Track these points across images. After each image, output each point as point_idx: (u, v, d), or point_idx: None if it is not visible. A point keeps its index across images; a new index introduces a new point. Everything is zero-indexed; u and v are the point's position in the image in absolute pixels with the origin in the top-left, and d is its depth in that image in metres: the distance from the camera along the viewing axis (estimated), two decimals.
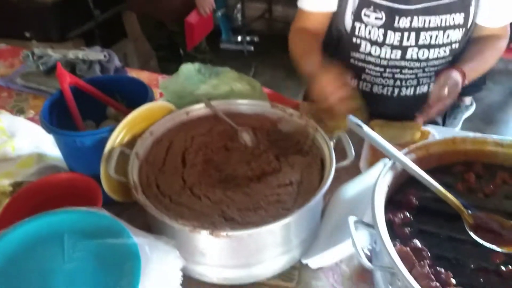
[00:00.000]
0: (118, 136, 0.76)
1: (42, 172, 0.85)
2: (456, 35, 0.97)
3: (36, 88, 1.28)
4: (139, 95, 0.90)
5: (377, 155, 0.97)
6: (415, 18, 0.94)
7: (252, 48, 3.38)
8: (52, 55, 1.30)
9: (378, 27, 0.96)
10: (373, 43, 0.99)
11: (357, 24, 0.98)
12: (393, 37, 0.97)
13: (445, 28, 0.96)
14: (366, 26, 0.97)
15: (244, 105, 0.90)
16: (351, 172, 0.88)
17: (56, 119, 0.85)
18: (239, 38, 3.39)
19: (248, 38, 3.35)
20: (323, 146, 0.78)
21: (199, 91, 0.94)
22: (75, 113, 0.84)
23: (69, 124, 0.85)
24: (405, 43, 0.98)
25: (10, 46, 1.60)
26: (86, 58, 1.24)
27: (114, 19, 2.43)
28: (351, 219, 0.61)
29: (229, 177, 0.76)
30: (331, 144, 0.77)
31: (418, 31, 0.96)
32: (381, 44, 0.99)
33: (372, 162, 0.93)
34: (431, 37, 0.96)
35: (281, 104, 0.88)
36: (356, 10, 0.96)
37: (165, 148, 0.80)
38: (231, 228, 0.63)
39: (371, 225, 0.60)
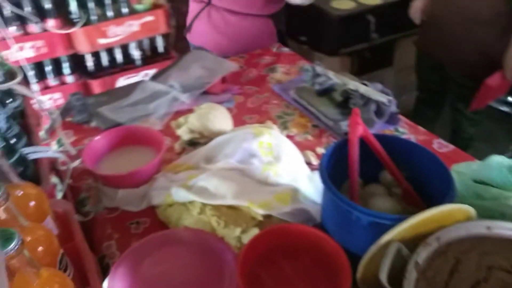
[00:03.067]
0: (402, 230, 0.60)
1: (295, 214, 0.78)
2: None
3: (304, 106, 1.25)
4: (429, 173, 0.73)
5: None
6: None
7: None
8: (332, 79, 1.25)
9: None
10: None
11: None
12: None
13: None
14: None
15: None
16: None
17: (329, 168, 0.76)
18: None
19: None
20: None
21: None
22: (354, 175, 0.72)
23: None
24: None
25: (292, 52, 1.65)
26: (366, 94, 1.13)
27: (386, 46, 2.31)
28: None
29: None
30: None
31: None
32: None
33: None
34: None
35: None
36: None
37: (450, 266, 0.60)
38: None
39: None
